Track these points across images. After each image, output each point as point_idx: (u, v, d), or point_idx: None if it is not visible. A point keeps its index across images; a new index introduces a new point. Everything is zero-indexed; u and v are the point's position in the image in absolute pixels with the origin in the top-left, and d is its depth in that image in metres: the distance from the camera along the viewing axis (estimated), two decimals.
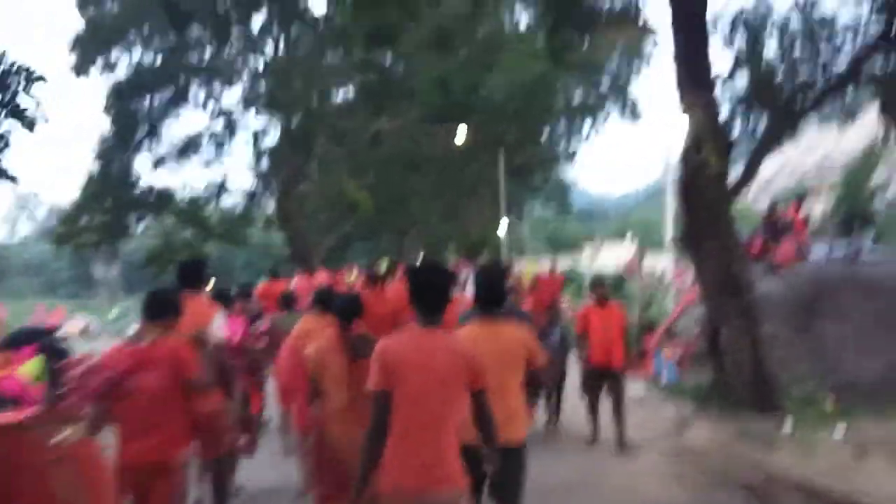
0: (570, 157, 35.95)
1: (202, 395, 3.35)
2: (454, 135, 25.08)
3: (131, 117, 17.51)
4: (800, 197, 12.19)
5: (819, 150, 70.81)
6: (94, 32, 17.01)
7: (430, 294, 2.89)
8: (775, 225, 10.75)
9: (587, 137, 33.15)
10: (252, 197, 20.80)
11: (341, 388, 3.66)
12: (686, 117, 7.68)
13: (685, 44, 7.57)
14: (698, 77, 7.54)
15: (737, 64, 8.12)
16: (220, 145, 19.10)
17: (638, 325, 10.66)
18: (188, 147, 19.25)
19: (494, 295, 3.54)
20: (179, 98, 18.42)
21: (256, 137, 18.67)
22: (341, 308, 3.93)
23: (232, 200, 20.87)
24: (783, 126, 7.64)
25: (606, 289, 7.13)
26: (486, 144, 24.97)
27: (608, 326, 6.54)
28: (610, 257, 51.11)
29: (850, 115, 9.63)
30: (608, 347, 6.51)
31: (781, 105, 7.57)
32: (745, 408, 7.10)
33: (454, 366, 2.74)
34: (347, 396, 3.61)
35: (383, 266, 9.54)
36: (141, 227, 20.12)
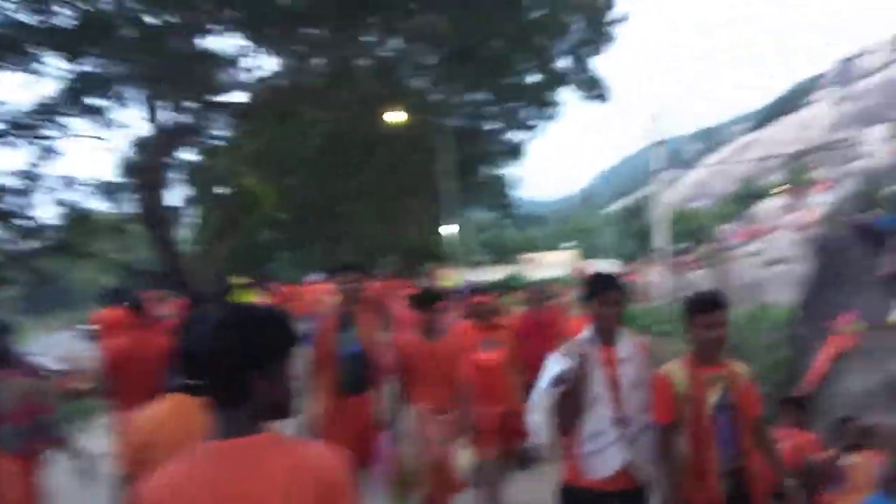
0: (517, 151, 31.34)
1: None
2: (384, 110, 20.22)
3: None
4: None
5: (756, 148, 70.59)
6: None
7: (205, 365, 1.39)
8: None
9: (538, 128, 28.31)
10: (110, 192, 15.07)
11: None
12: None
13: None
14: None
15: None
16: (45, 112, 13.16)
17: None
18: None
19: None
20: None
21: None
22: None
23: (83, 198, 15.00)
24: None
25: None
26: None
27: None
28: (553, 265, 47.83)
29: None
30: None
31: None
32: None
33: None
34: None
35: None
36: None
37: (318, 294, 21.65)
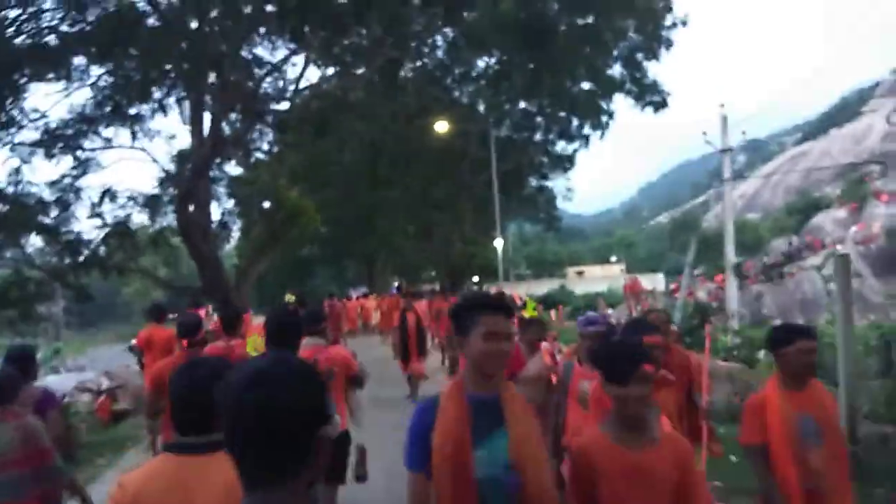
0: (566, 162, 30.17)
1: None
2: (429, 121, 19.48)
3: None
4: None
5: (807, 160, 67.93)
6: None
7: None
8: None
9: (587, 139, 27.08)
10: (152, 206, 14.56)
11: None
12: None
13: None
14: None
15: None
16: (86, 123, 12.67)
17: None
18: (52, 134, 12.96)
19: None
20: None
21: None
22: None
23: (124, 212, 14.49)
24: None
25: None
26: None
27: None
28: (598, 279, 46.44)
29: None
30: None
31: None
32: None
33: None
34: None
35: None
36: None
37: (361, 309, 21.06)
